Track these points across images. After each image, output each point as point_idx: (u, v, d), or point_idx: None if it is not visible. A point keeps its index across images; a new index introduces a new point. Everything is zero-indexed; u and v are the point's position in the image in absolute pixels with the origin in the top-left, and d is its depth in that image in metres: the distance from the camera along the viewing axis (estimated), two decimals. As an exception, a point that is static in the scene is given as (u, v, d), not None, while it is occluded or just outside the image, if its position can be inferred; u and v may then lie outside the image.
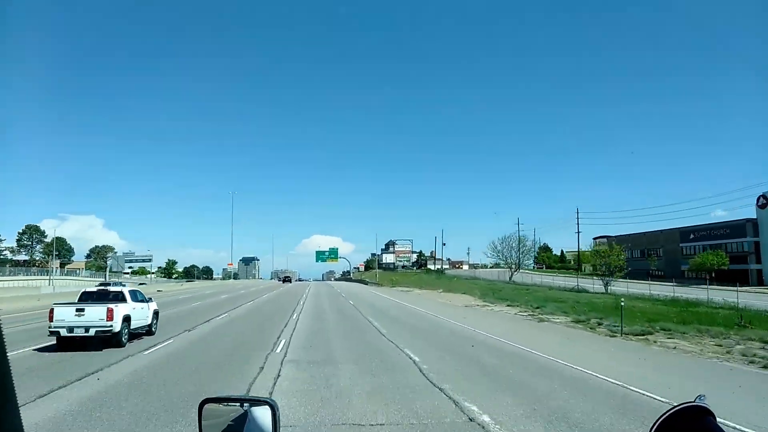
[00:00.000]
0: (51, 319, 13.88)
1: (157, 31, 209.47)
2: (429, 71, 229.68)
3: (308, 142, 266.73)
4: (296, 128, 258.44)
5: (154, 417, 7.51)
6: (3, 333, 0.99)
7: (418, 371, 11.22)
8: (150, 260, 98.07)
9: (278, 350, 14.24)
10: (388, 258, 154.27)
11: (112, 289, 15.74)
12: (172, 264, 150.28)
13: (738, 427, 7.30)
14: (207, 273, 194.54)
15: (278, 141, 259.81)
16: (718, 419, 1.22)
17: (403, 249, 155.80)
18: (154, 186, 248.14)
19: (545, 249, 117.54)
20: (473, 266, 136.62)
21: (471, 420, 7.48)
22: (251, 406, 1.59)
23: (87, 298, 15.06)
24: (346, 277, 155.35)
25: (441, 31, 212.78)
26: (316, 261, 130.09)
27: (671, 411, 1.18)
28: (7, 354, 0.99)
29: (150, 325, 16.81)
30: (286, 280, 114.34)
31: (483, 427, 7.17)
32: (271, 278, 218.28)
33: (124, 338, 14.50)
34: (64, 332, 13.76)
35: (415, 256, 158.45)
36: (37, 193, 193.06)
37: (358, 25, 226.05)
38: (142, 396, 8.83)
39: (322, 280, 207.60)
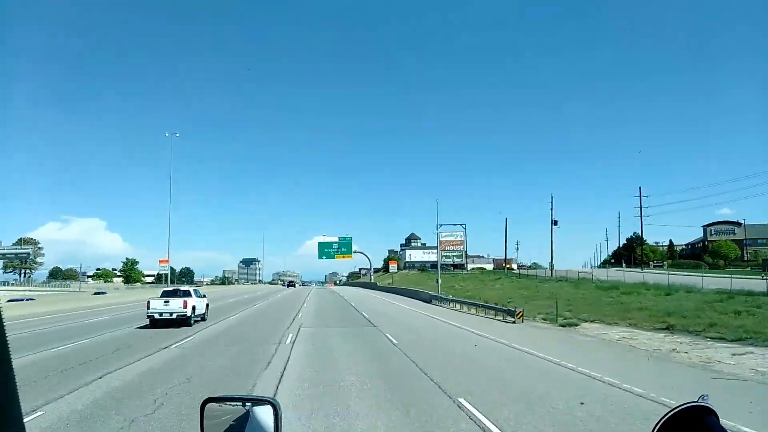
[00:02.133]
0: (148, 307, 22.06)
1: (156, 31, 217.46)
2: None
3: (312, 142, 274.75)
4: (299, 127, 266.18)
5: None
6: (6, 336, 1.00)
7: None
8: (28, 256, 71.92)
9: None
10: (414, 255, 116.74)
11: (182, 288, 23.88)
12: (131, 265, 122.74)
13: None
14: (187, 276, 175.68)
15: (282, 141, 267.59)
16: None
17: (452, 239, 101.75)
18: (156, 187, 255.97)
19: (639, 241, 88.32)
20: (523, 266, 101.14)
21: None
22: (253, 405, 1.63)
23: (166, 295, 23.09)
24: (359, 280, 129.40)
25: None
26: (320, 257, 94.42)
27: (674, 411, 1.18)
28: (11, 355, 0.99)
29: (204, 314, 24.94)
30: (291, 284, 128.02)
31: None
32: (272, 281, 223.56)
33: (193, 320, 22.63)
34: (156, 315, 21.89)
35: (456, 248, 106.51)
36: (40, 196, 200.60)
37: (367, 16, 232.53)
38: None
39: (324, 283, 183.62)
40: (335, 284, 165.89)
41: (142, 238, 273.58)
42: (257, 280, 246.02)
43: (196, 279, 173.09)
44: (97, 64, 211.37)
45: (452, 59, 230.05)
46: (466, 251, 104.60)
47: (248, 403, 1.65)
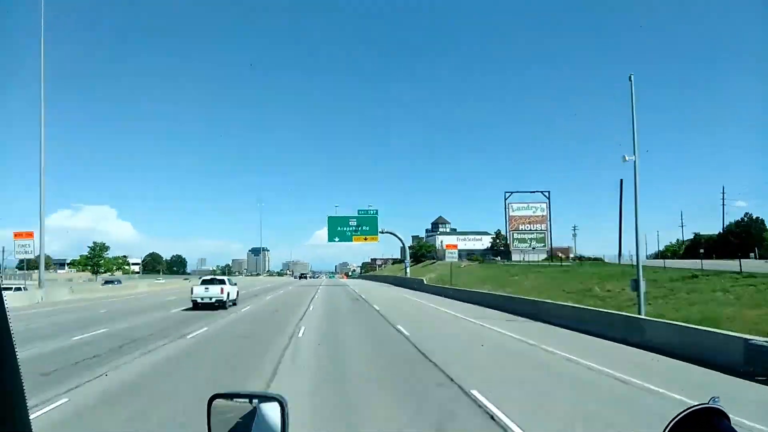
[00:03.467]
0: (192, 293, 26.68)
1: (167, 15, 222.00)
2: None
3: (324, 133, 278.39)
4: (309, 120, 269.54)
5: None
6: (12, 333, 1.01)
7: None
8: None
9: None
10: (447, 242, 79.48)
11: (217, 278, 28.54)
12: (100, 251, 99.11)
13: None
14: (178, 265, 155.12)
15: (294, 132, 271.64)
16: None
17: (527, 213, 70.68)
18: (167, 176, 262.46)
19: (758, 224, 69.90)
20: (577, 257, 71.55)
21: None
22: (260, 402, 1.66)
23: (206, 282, 27.68)
24: (376, 272, 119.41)
25: None
26: (331, 239, 66.24)
27: (685, 412, 1.21)
28: (17, 354, 1.00)
29: (235, 299, 29.57)
30: (303, 276, 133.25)
31: None
32: (281, 271, 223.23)
33: (228, 305, 27.30)
34: (198, 300, 26.56)
35: (536, 227, 74.87)
36: (50, 183, 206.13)
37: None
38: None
39: (334, 275, 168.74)
40: (347, 276, 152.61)
41: (153, 225, 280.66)
42: (266, 270, 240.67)
43: (190, 270, 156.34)
44: (108, 49, 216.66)
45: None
46: (550, 233, 63.62)
47: (255, 400, 1.69)
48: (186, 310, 26.72)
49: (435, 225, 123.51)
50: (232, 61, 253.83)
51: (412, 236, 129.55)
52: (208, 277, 29.62)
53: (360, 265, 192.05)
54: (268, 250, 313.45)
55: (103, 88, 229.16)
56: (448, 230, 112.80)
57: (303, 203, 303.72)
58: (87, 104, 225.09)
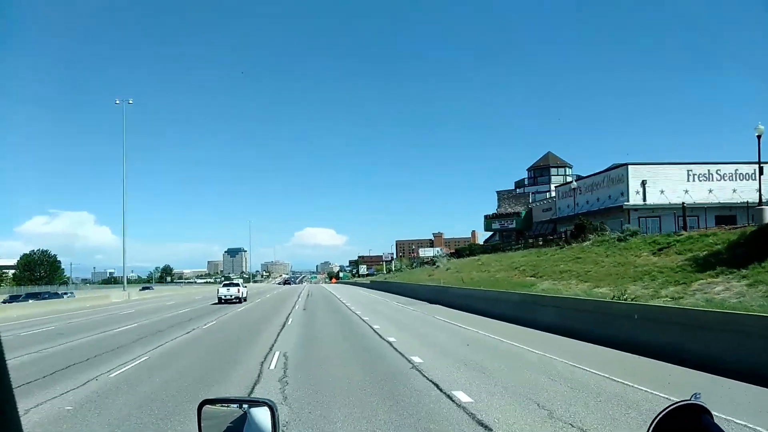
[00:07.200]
0: (218, 292, 39.39)
1: (144, 30, 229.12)
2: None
3: (302, 137, 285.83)
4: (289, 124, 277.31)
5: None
6: (0, 336, 1.06)
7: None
8: None
9: (302, 303, 39.16)
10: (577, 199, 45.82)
11: (234, 281, 41.30)
12: None
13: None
14: (50, 269, 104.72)
15: (275, 139, 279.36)
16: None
17: None
18: (147, 181, 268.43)
19: None
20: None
21: None
22: (250, 407, 1.70)
23: (226, 286, 40.30)
24: (392, 278, 74.26)
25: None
26: None
27: (667, 409, 1.25)
28: (5, 356, 1.03)
29: (246, 297, 42.31)
30: (287, 282, 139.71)
31: None
32: (257, 274, 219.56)
33: (243, 300, 40.12)
34: (223, 297, 39.31)
35: None
36: (27, 190, 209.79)
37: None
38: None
39: (315, 275, 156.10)
40: (336, 279, 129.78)
41: (131, 229, 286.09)
42: (241, 271, 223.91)
43: (74, 275, 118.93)
44: (85, 60, 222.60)
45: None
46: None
47: (245, 405, 1.72)
48: (213, 304, 39.29)
49: (540, 170, 71.90)
50: (217, 65, 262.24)
51: (497, 192, 74.27)
52: (228, 282, 42.40)
53: (348, 263, 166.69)
54: (245, 251, 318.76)
55: (77, 91, 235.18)
56: (569, 175, 62.89)
57: (285, 203, 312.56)
58: (62, 111, 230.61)
